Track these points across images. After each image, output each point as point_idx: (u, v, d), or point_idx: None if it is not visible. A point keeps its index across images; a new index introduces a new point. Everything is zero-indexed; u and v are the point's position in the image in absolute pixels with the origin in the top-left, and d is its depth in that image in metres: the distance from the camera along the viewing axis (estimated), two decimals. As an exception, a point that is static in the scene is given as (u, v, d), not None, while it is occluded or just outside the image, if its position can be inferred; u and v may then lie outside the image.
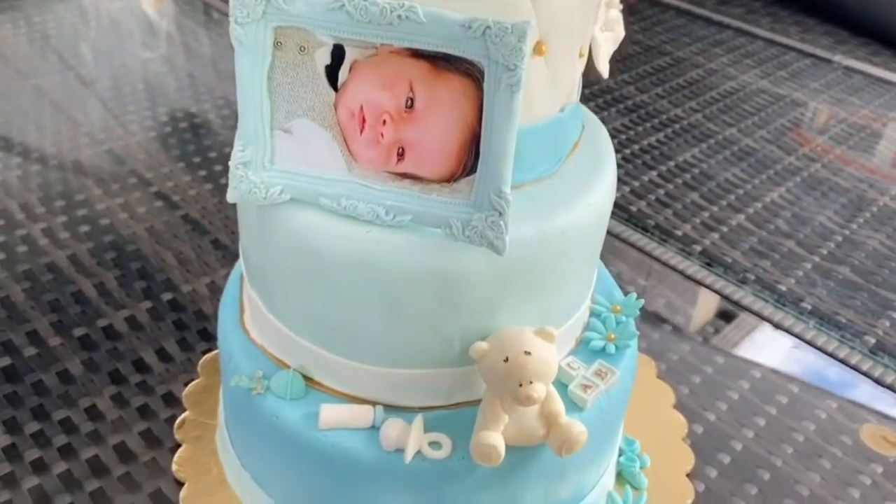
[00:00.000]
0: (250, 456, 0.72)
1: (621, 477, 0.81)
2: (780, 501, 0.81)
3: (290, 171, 0.57)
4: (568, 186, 0.63)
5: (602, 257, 0.73)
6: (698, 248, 1.18)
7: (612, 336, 0.71)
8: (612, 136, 0.70)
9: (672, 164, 1.38)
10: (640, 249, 1.16)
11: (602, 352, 0.70)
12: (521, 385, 0.58)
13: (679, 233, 1.21)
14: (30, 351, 0.90)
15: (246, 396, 0.66)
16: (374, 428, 0.63)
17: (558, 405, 0.62)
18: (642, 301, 0.75)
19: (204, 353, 0.91)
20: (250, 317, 0.70)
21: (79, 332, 0.94)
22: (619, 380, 0.68)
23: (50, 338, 0.92)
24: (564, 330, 0.67)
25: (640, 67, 1.70)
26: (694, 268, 1.13)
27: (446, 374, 0.63)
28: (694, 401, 0.92)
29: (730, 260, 1.16)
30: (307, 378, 0.66)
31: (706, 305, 1.08)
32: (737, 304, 1.07)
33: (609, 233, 1.19)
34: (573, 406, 0.66)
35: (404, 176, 0.55)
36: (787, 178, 1.36)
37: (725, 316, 1.06)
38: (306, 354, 0.65)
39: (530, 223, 0.58)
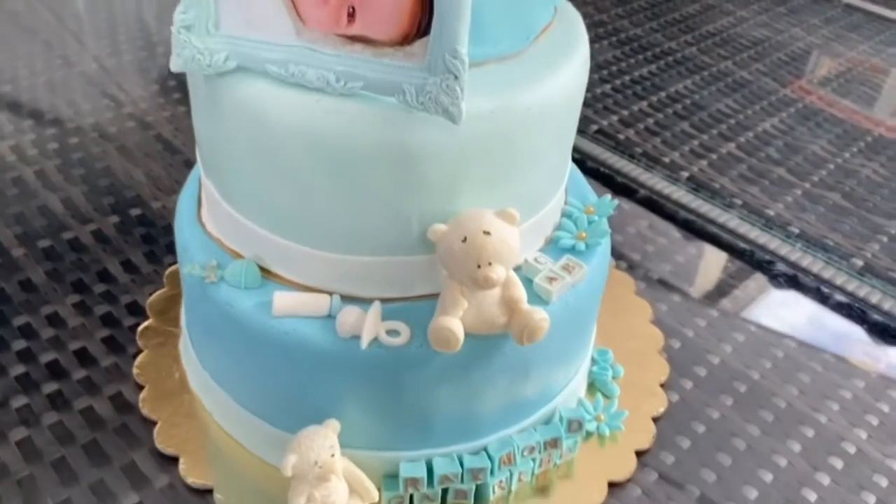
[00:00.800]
0: (208, 353, 0.70)
1: (593, 387, 0.79)
2: (756, 413, 0.79)
3: (236, 36, 0.54)
4: (535, 65, 0.59)
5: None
6: (685, 174, 1.15)
7: (584, 235, 0.69)
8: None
9: (663, 94, 1.34)
10: (625, 176, 1.13)
11: (572, 250, 0.68)
12: (479, 266, 0.56)
13: (666, 160, 1.18)
14: (-8, 261, 0.88)
15: (200, 287, 0.63)
16: (331, 317, 0.60)
17: (520, 291, 0.59)
18: (616, 202, 0.72)
19: (171, 265, 0.89)
20: (207, 210, 0.68)
21: (43, 243, 0.91)
22: (587, 275, 0.65)
23: (13, 248, 0.90)
24: (532, 224, 0.65)
25: (634, 2, 1.66)
26: (680, 192, 1.11)
27: (405, 263, 0.60)
28: (672, 317, 0.90)
29: (717, 186, 1.13)
30: (263, 270, 0.63)
31: (693, 242, 1.05)
32: (722, 227, 1.05)
33: (593, 162, 1.17)
34: (538, 300, 0.63)
35: (355, 39, 0.52)
36: (780, 109, 1.33)
37: (712, 240, 1.04)
38: (261, 243, 0.62)
39: (491, 98, 0.55)
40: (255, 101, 0.54)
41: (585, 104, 0.67)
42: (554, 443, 0.70)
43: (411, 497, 0.67)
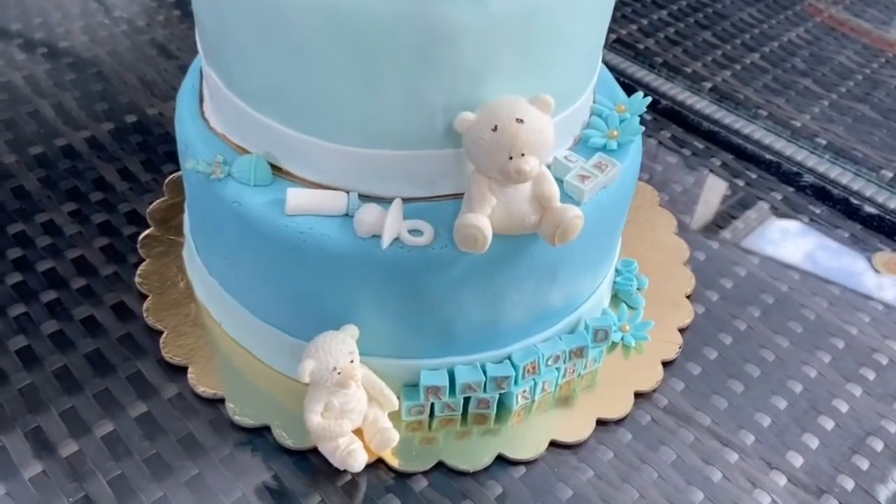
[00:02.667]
0: (216, 259, 0.66)
1: (617, 298, 0.76)
2: (784, 324, 0.77)
3: None
4: (570, -61, 0.54)
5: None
6: (708, 84, 1.09)
7: (615, 133, 0.65)
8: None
9: (683, 3, 1.27)
10: (645, 86, 1.08)
11: (603, 148, 0.63)
12: (511, 157, 0.52)
13: (688, 70, 1.12)
14: (-19, 168, 0.83)
15: (206, 185, 0.59)
16: (348, 216, 0.56)
17: (553, 187, 0.55)
18: (649, 98, 0.67)
19: (171, 174, 0.84)
20: (210, 104, 0.63)
21: (35, 150, 0.86)
22: (620, 174, 0.61)
23: (4, 155, 0.85)
24: (563, 119, 0.60)
25: None
26: (702, 103, 1.05)
27: (429, 158, 0.56)
28: (696, 230, 0.86)
29: (741, 97, 1.08)
30: (274, 168, 0.59)
31: (717, 153, 1.01)
32: (747, 138, 1.00)
33: (612, 72, 1.11)
34: (569, 200, 0.59)
35: None
36: (805, 20, 1.27)
37: (737, 152, 0.99)
38: (271, 137, 0.58)
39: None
40: (266, -27, 0.49)
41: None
42: (580, 352, 0.67)
43: (432, 406, 0.64)
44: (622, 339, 0.72)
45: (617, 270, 0.77)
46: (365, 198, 0.57)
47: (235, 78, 0.58)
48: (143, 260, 0.74)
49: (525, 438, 0.65)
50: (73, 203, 0.81)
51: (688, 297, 0.77)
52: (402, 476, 0.62)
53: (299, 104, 0.55)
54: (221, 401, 0.64)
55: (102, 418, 0.63)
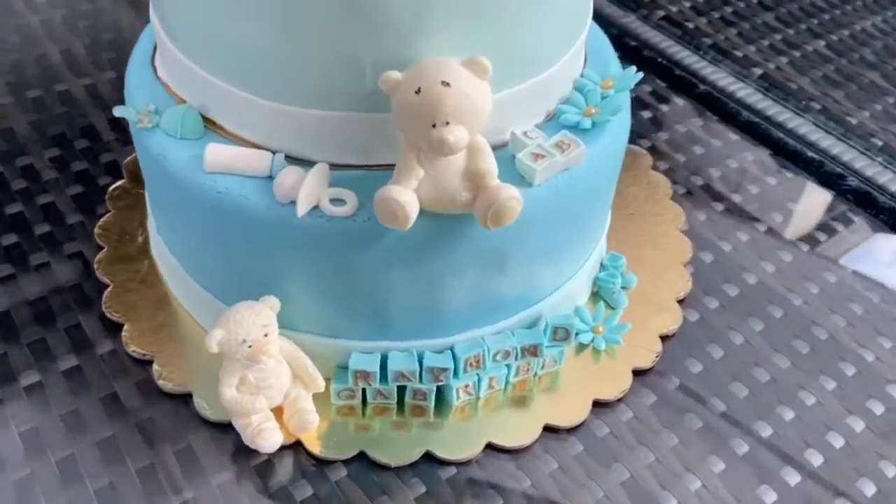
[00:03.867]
0: (156, 215, 0.64)
1: (598, 296, 0.69)
2: (788, 342, 0.68)
3: None
4: None
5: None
6: (758, 71, 0.99)
7: (592, 110, 0.58)
8: None
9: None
10: (685, 68, 0.98)
11: (576, 127, 0.57)
12: (434, 125, 0.46)
13: (739, 54, 1.02)
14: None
15: (137, 134, 0.56)
16: (272, 178, 0.52)
17: (487, 163, 0.49)
18: (640, 74, 0.60)
19: (160, 126, 0.82)
20: (159, 53, 0.60)
21: (33, 93, 0.86)
22: (585, 156, 0.54)
23: (2, 97, 0.85)
24: (528, 90, 0.54)
25: None
26: (747, 90, 0.95)
27: (360, 121, 0.51)
28: (709, 229, 0.78)
29: (794, 87, 0.97)
30: (209, 122, 0.55)
31: (752, 147, 0.91)
32: (791, 132, 0.90)
33: (651, 51, 1.02)
34: (521, 180, 0.53)
35: None
36: (886, 8, 1.13)
37: (775, 147, 0.89)
38: (205, 89, 0.54)
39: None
40: None
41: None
42: (533, 350, 0.61)
43: (364, 393, 0.60)
44: (593, 340, 0.65)
45: (602, 265, 0.70)
46: (294, 161, 0.53)
47: (171, 25, 0.54)
48: (109, 212, 0.73)
49: (462, 437, 0.59)
50: (56, 149, 0.80)
51: (680, 301, 0.70)
52: (322, 463, 0.58)
53: (228, 54, 0.51)
54: (152, 363, 0.62)
55: (30, 368, 0.62)
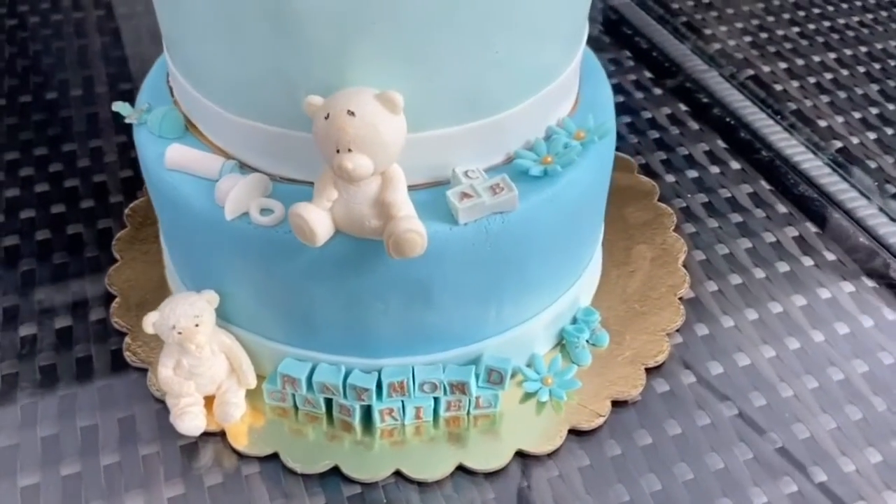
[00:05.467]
0: None
1: (565, 348, 0.68)
2: (745, 439, 0.63)
3: None
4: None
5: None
6: (837, 144, 0.92)
7: (549, 159, 0.57)
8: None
9: (863, 49, 1.08)
10: (752, 132, 0.93)
11: (525, 174, 0.56)
12: (338, 151, 0.48)
13: (822, 124, 0.95)
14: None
15: (134, 130, 0.62)
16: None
17: (396, 195, 0.50)
18: (609, 129, 0.59)
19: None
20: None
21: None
22: (517, 202, 0.54)
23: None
24: (477, 129, 0.54)
25: None
26: (815, 163, 0.89)
27: (299, 139, 0.54)
28: (715, 301, 0.73)
29: (874, 166, 0.89)
30: (193, 126, 0.61)
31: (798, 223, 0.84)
32: (857, 223, 0.81)
33: (720, 109, 0.98)
34: (449, 218, 0.54)
35: None
36: None
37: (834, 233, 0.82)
38: (186, 95, 0.59)
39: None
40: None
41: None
42: (461, 387, 0.60)
43: (294, 400, 0.62)
44: (537, 391, 0.64)
45: (574, 318, 0.68)
46: (250, 170, 0.57)
47: (163, 32, 0.60)
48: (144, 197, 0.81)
49: (375, 460, 0.60)
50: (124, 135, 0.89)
51: (648, 370, 0.66)
52: (243, 457, 0.61)
53: (191, 62, 0.56)
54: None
55: (31, 321, 0.70)
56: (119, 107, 0.62)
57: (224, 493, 0.59)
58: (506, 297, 0.60)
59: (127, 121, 0.61)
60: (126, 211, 0.79)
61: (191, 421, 0.60)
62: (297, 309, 0.58)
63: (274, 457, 0.60)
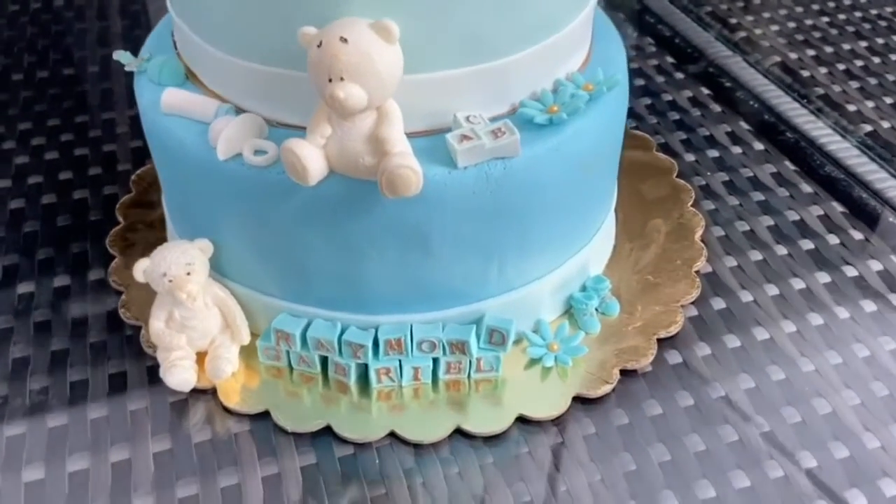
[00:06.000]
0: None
1: (573, 317, 0.65)
2: (766, 411, 0.59)
3: None
4: None
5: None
6: (868, 127, 0.88)
7: (555, 108, 0.55)
8: None
9: (896, 38, 1.04)
10: (771, 109, 0.89)
11: (529, 122, 0.54)
12: (330, 81, 0.47)
13: (851, 108, 0.91)
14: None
15: (134, 79, 0.62)
16: (217, 126, 0.55)
17: (390, 130, 0.48)
18: (618, 81, 0.57)
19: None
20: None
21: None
22: (519, 147, 0.52)
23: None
24: (471, 74, 0.52)
25: None
26: (842, 145, 0.85)
27: (295, 79, 0.52)
28: (734, 276, 0.70)
29: (903, 147, 0.85)
30: (192, 75, 0.59)
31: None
32: (887, 203, 0.78)
33: (741, 89, 0.95)
34: (449, 163, 0.52)
35: None
36: None
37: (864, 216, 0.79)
38: (188, 43, 0.58)
39: None
40: None
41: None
42: (460, 346, 0.58)
43: (289, 358, 0.60)
44: (542, 357, 0.61)
45: (583, 286, 0.65)
46: (244, 112, 0.55)
47: (170, -19, 0.59)
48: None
49: (370, 421, 0.58)
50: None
51: (660, 341, 0.63)
52: (233, 415, 0.59)
53: (197, 9, 0.55)
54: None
55: (29, 279, 0.69)
56: (119, 55, 0.61)
57: (212, 449, 0.57)
58: (508, 252, 0.57)
59: (127, 68, 0.60)
60: (132, 178, 0.78)
61: (180, 374, 0.58)
62: (291, 259, 0.56)
63: (265, 416, 0.58)
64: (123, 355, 0.63)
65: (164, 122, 0.56)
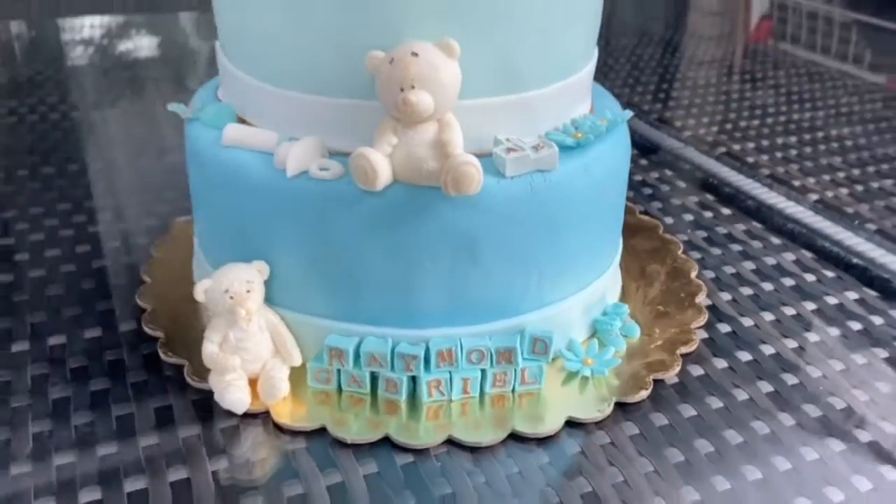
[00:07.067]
0: (193, 201, 0.71)
1: (598, 339, 0.69)
2: (791, 407, 0.64)
3: None
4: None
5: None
6: (814, 196, 1.00)
7: (579, 135, 0.63)
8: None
9: (819, 135, 1.20)
10: (729, 184, 1.00)
11: (559, 145, 0.61)
12: (402, 89, 0.53)
13: (796, 183, 1.04)
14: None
15: (186, 127, 0.66)
16: (277, 154, 0.60)
17: (453, 134, 0.55)
18: (630, 113, 0.65)
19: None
20: (220, 74, 0.71)
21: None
22: (557, 159, 0.59)
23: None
24: (508, 103, 0.60)
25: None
26: (797, 208, 0.96)
27: (356, 107, 0.58)
28: (731, 307, 0.76)
29: (851, 211, 0.97)
30: (242, 120, 0.65)
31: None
32: (847, 249, 0.87)
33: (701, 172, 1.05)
34: (498, 174, 0.58)
35: None
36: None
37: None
38: (239, 87, 0.64)
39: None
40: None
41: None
42: (508, 355, 0.61)
43: (339, 379, 0.62)
44: (579, 370, 0.64)
45: (604, 312, 0.70)
46: (301, 144, 0.61)
47: (222, 29, 0.66)
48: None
49: (423, 429, 0.59)
50: (146, 195, 0.93)
51: (682, 356, 0.68)
52: (285, 432, 0.59)
53: (250, 50, 0.62)
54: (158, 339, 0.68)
55: (59, 332, 0.69)
56: (174, 107, 0.66)
57: (272, 465, 0.56)
58: (545, 264, 0.62)
59: (183, 116, 0.65)
60: (152, 249, 0.80)
61: (235, 393, 0.58)
62: (345, 273, 0.60)
63: (319, 433, 0.59)
64: (166, 391, 0.63)
65: (226, 154, 0.61)
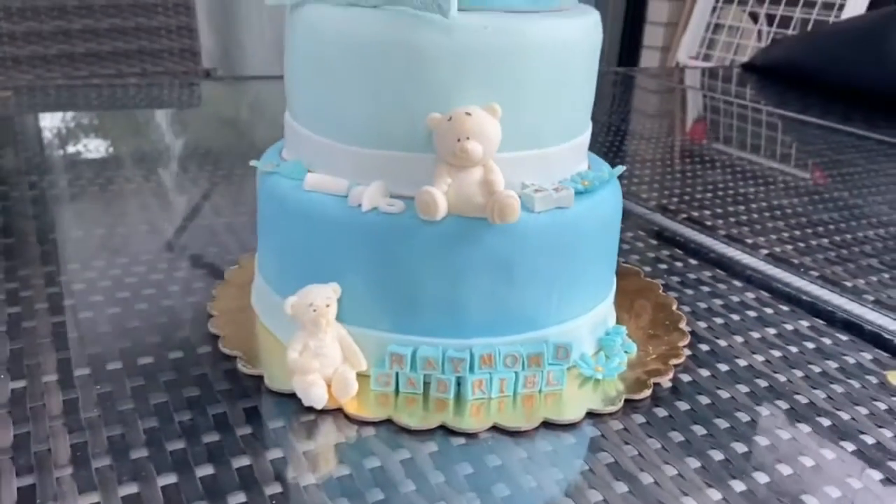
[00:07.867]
0: (260, 242, 0.84)
1: (605, 353, 0.83)
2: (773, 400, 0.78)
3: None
4: (544, 17, 0.74)
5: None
6: (765, 251, 1.17)
7: (586, 182, 0.78)
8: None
9: (765, 204, 1.39)
10: (692, 240, 1.18)
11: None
12: (459, 140, 0.68)
13: (749, 241, 1.21)
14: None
15: (262, 180, 0.80)
16: (346, 196, 0.74)
17: (498, 176, 0.70)
18: (623, 168, 0.82)
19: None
20: (285, 136, 0.85)
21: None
22: (573, 199, 0.74)
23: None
24: (535, 157, 0.76)
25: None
26: (752, 259, 1.13)
27: (412, 159, 0.73)
28: (711, 334, 0.91)
29: (796, 262, 1.14)
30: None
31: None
32: (798, 289, 1.05)
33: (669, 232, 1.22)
34: (524, 209, 0.73)
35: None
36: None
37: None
38: (308, 145, 0.78)
39: (489, 18, 0.71)
40: (314, 19, 0.74)
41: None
42: (536, 360, 0.74)
43: (397, 380, 0.74)
44: (592, 375, 0.78)
45: (606, 332, 0.84)
46: (366, 191, 0.75)
47: (293, 104, 0.81)
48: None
49: (475, 424, 0.71)
50: (193, 251, 1.05)
51: (676, 365, 0.82)
52: (355, 423, 0.71)
53: (323, 113, 0.77)
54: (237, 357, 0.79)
55: (147, 354, 0.80)
56: (255, 163, 0.80)
57: (348, 448, 0.67)
58: (564, 285, 0.77)
59: (264, 169, 0.79)
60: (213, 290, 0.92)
61: (318, 391, 0.70)
62: (405, 292, 0.73)
63: (384, 424, 0.70)
64: (249, 395, 0.74)
65: (307, 196, 0.75)
